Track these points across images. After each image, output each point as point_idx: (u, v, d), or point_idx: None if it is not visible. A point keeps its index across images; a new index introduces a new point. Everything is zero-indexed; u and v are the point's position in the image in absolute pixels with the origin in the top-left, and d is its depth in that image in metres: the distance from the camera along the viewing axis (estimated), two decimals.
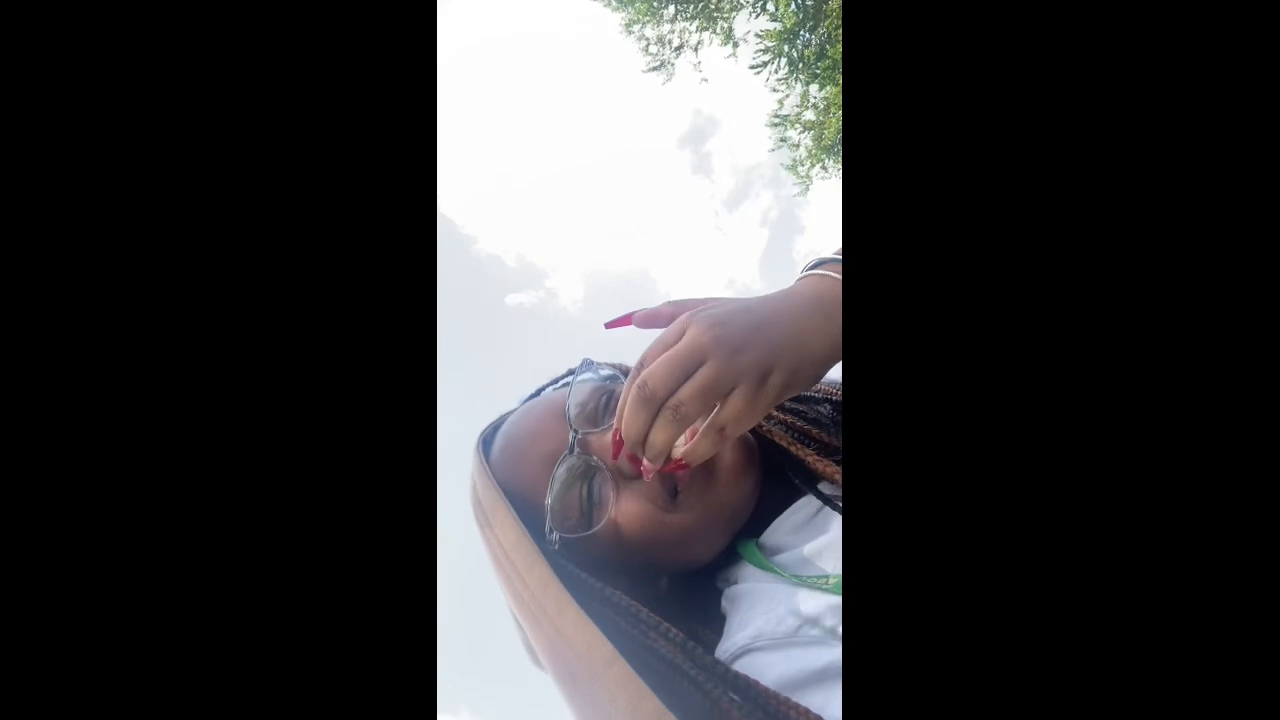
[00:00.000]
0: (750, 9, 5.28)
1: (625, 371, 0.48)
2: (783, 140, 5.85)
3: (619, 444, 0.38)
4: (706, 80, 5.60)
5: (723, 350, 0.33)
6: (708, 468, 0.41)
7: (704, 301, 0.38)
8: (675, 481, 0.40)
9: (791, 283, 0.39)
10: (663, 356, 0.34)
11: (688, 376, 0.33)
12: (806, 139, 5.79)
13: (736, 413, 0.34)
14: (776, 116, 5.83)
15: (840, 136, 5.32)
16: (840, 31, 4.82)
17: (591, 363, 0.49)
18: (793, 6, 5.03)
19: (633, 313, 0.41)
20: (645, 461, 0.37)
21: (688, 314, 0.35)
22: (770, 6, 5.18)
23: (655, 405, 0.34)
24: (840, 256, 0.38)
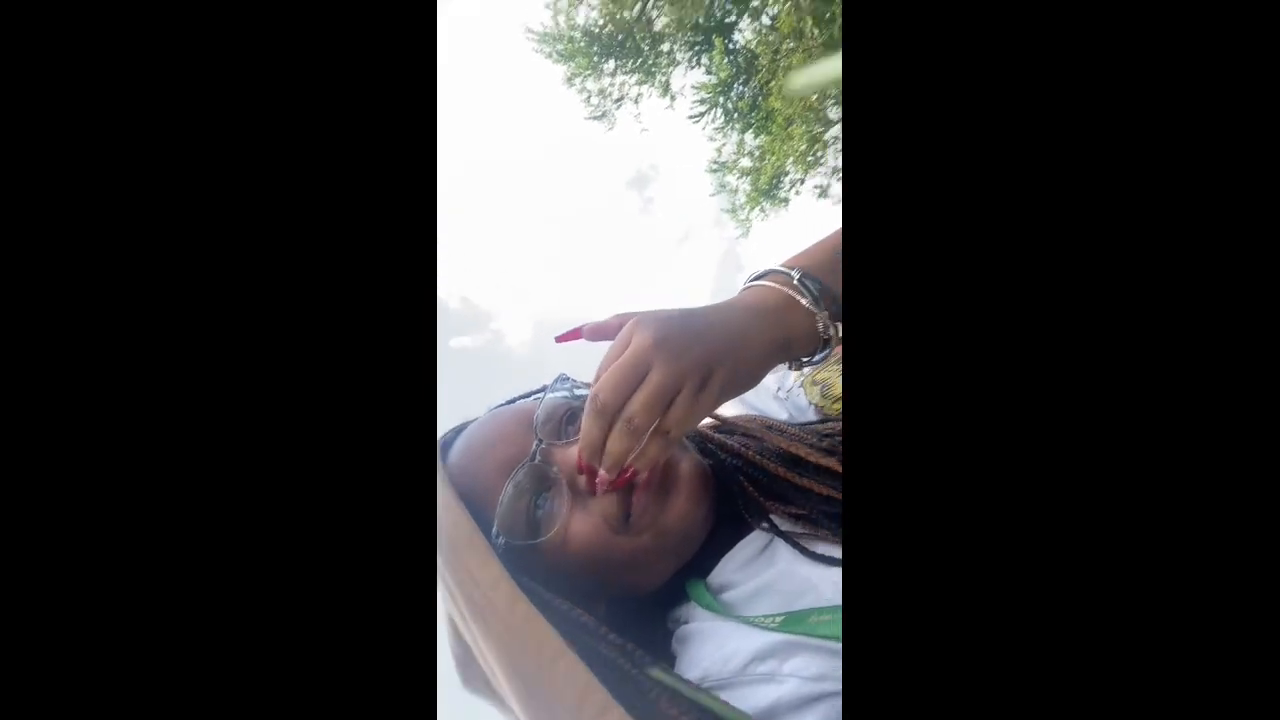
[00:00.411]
0: (686, 64, 5.56)
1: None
2: (722, 186, 6.11)
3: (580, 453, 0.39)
4: (646, 130, 5.81)
5: (666, 355, 0.34)
6: (662, 492, 0.42)
7: (648, 312, 0.39)
8: (629, 504, 0.41)
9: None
10: (611, 368, 0.35)
11: (637, 385, 0.34)
12: (744, 184, 6.07)
13: (680, 415, 0.35)
14: (715, 164, 6.10)
15: (773, 180, 5.62)
16: (771, 85, 5.13)
17: (566, 378, 0.49)
18: (726, 61, 5.34)
19: (582, 326, 0.42)
20: (601, 472, 0.38)
21: (633, 320, 0.36)
22: (705, 61, 5.47)
23: (609, 417, 0.35)
24: (783, 268, 0.40)
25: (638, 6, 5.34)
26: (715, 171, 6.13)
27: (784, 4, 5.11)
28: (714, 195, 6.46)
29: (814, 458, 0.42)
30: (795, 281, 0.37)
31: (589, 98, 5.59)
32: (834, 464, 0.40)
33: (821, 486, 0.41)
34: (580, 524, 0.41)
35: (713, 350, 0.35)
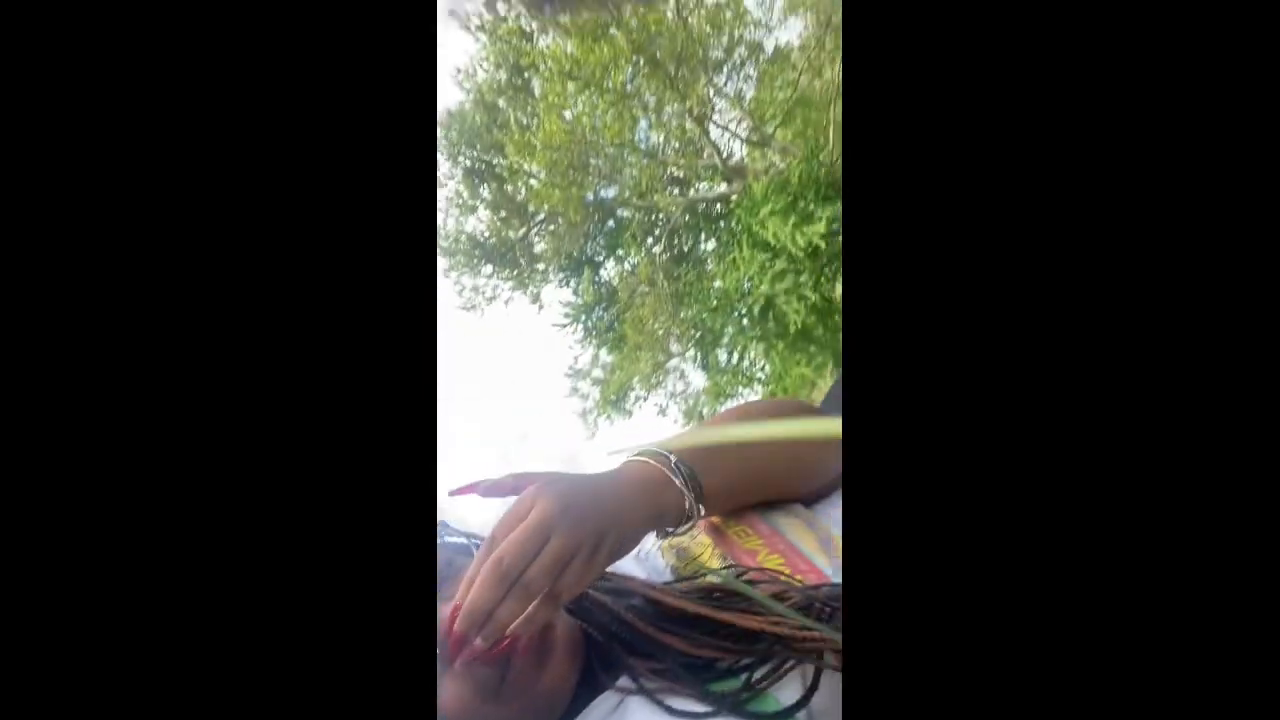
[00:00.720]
0: (557, 283, 6.29)
1: (477, 541, 0.48)
2: (575, 390, 6.55)
3: (454, 620, 0.37)
4: (512, 329, 6.24)
5: (568, 521, 0.37)
6: (538, 656, 0.41)
7: (543, 475, 0.42)
8: (505, 669, 0.39)
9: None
10: (517, 531, 0.36)
11: (540, 549, 0.36)
12: (595, 392, 6.56)
13: (574, 580, 0.37)
14: (571, 370, 6.60)
15: (620, 393, 6.18)
16: (626, 315, 5.95)
17: (445, 525, 0.48)
18: (592, 288, 6.15)
19: (479, 482, 0.43)
20: (477, 641, 0.37)
21: (534, 486, 0.39)
22: (573, 284, 6.24)
23: (511, 580, 0.36)
24: (661, 450, 0.45)
25: (522, 230, 6.16)
26: (570, 377, 6.61)
27: (642, 258, 6.23)
28: (567, 397, 6.84)
29: (683, 603, 0.43)
30: (671, 464, 0.42)
31: (463, 290, 6.01)
32: (705, 610, 0.42)
33: (681, 641, 0.42)
34: (449, 691, 0.38)
35: (604, 519, 0.38)
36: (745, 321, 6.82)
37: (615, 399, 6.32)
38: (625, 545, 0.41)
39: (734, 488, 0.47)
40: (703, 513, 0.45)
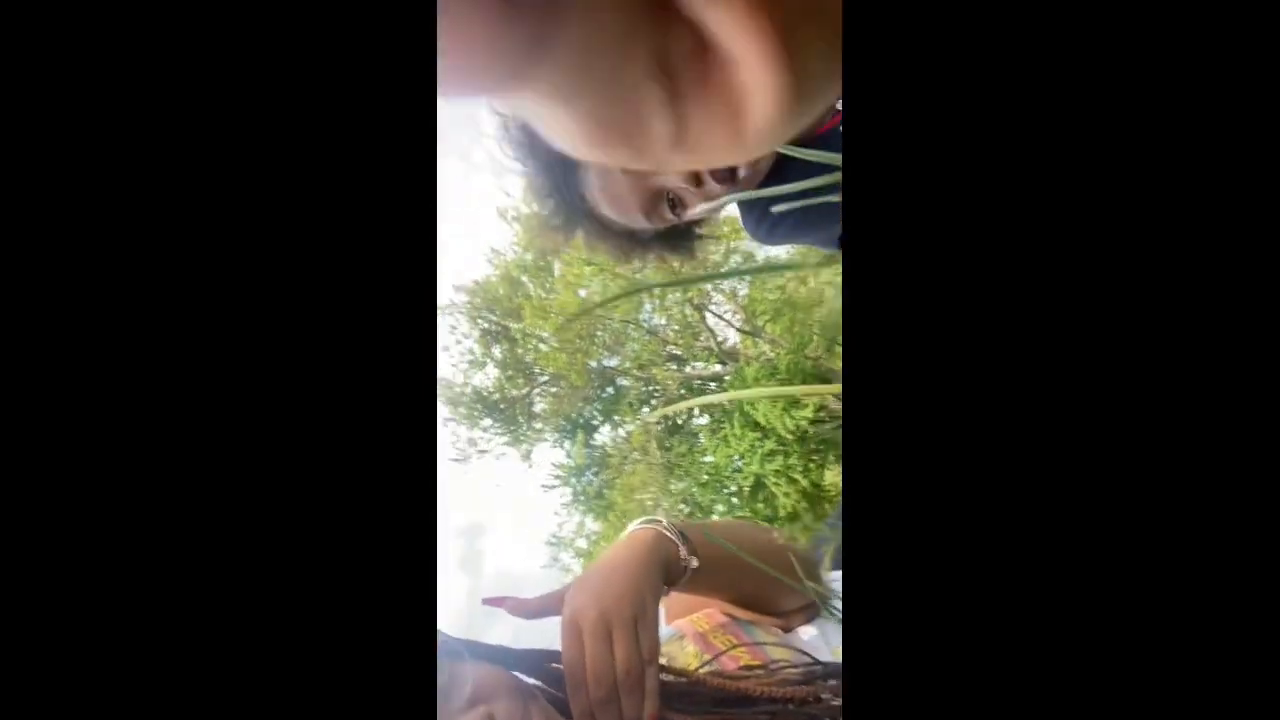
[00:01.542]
0: (551, 443, 6.33)
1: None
2: (555, 560, 6.17)
3: None
4: (500, 486, 6.11)
5: (614, 614, 0.43)
6: None
7: (565, 589, 0.48)
8: None
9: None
10: (587, 661, 0.42)
11: (611, 654, 0.42)
12: (576, 565, 6.17)
13: (650, 641, 0.44)
14: (554, 537, 6.30)
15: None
16: (616, 481, 5.88)
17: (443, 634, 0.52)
18: (585, 451, 6.16)
19: (507, 599, 0.49)
20: None
21: (568, 608, 0.45)
22: (566, 445, 6.26)
23: (612, 689, 0.42)
24: (656, 519, 0.52)
25: (526, 389, 6.41)
26: (552, 545, 6.27)
27: (637, 425, 6.37)
28: (545, 568, 6.40)
29: (690, 671, 0.47)
30: (664, 524, 0.51)
31: (456, 440, 6.04)
32: (712, 679, 0.46)
33: (684, 716, 0.44)
34: None
35: (630, 586, 0.45)
36: (735, 500, 6.69)
37: None
38: (655, 596, 0.48)
39: (716, 561, 0.54)
40: (695, 564, 0.51)
